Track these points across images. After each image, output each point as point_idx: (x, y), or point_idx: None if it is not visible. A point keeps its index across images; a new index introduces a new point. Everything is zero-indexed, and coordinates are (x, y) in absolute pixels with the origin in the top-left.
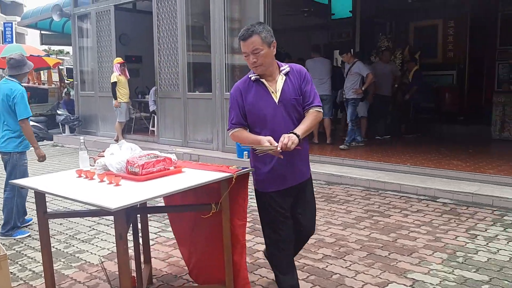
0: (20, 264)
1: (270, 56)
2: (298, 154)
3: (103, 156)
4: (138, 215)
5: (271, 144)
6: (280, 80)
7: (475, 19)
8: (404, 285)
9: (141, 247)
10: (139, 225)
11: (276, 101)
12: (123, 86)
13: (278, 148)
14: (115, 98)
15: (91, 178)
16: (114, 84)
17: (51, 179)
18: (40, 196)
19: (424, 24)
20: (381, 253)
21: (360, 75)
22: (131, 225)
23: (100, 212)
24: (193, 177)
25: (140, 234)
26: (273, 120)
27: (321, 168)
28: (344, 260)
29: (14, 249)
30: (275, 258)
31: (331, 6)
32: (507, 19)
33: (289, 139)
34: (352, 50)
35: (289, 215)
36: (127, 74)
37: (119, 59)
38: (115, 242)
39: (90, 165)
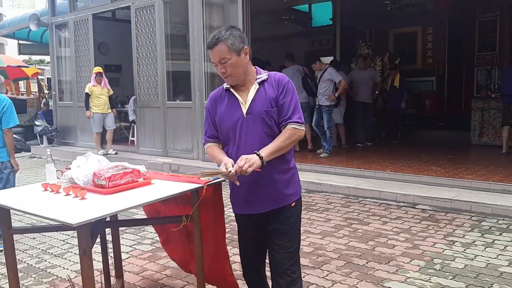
0: None
1: (241, 65)
2: (269, 176)
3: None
4: (109, 228)
5: (226, 168)
6: (253, 89)
7: (453, 25)
8: None
9: (112, 261)
10: (111, 238)
11: (244, 112)
12: (97, 96)
13: (232, 171)
14: (87, 109)
15: (56, 191)
16: (87, 95)
17: (16, 193)
18: (5, 211)
19: (403, 31)
20: (358, 262)
21: (332, 81)
22: (98, 239)
23: (66, 227)
24: (162, 188)
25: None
26: (240, 135)
27: (301, 176)
28: (322, 270)
29: None
30: (244, 275)
31: (311, 14)
32: (484, 25)
33: (246, 162)
34: (320, 58)
35: (258, 240)
36: (105, 84)
37: (97, 69)
38: (95, 258)
39: (58, 178)
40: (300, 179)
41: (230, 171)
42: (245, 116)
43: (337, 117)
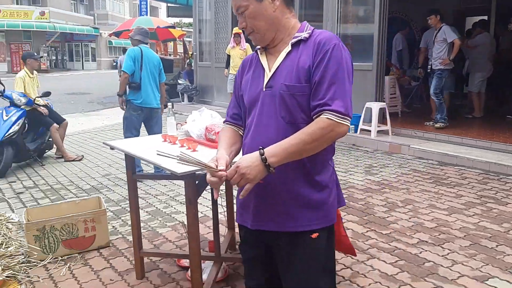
0: (122, 220)
1: (264, 16)
2: (286, 180)
3: None
4: None
5: (216, 166)
6: (283, 53)
7: None
8: (508, 281)
9: (225, 214)
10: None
11: (264, 85)
12: (232, 58)
13: (221, 175)
14: (226, 67)
15: (173, 143)
16: (227, 56)
17: (140, 142)
18: (129, 158)
19: None
20: (487, 244)
21: (447, 42)
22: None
23: (174, 176)
24: None
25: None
26: (254, 116)
27: (435, 147)
28: (442, 247)
29: (120, 205)
30: None
31: None
32: None
33: (241, 177)
34: (439, 12)
35: (266, 271)
36: (242, 45)
37: (235, 29)
38: (210, 206)
39: (176, 130)
40: (434, 150)
41: (219, 170)
42: (264, 89)
43: (471, 84)
